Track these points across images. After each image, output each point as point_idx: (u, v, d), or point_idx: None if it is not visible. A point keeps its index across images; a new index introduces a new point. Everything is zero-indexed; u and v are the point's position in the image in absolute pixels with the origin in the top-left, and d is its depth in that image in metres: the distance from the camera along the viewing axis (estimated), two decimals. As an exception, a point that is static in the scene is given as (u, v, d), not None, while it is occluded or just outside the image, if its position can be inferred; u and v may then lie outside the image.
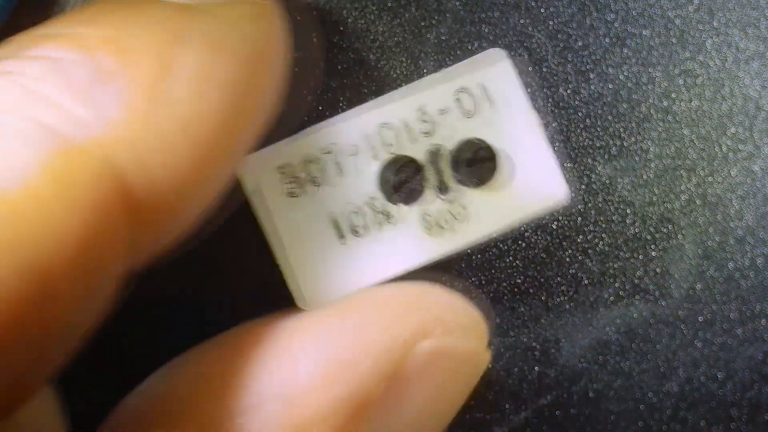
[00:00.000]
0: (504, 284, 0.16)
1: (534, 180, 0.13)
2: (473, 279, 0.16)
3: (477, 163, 0.13)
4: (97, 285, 0.09)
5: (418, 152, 0.12)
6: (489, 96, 0.12)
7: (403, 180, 0.13)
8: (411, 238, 0.13)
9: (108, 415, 0.12)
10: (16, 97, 0.09)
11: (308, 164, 0.12)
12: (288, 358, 0.11)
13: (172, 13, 0.10)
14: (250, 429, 0.10)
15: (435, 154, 0.12)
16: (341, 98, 0.16)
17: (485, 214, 0.13)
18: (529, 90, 0.16)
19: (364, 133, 0.12)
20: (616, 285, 0.16)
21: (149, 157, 0.09)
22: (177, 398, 0.11)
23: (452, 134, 0.12)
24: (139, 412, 0.12)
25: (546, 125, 0.16)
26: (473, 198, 0.13)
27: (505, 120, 0.12)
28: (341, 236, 0.12)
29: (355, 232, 0.12)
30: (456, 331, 0.12)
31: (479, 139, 0.12)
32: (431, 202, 0.13)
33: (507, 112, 0.12)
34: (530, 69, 0.16)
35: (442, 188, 0.13)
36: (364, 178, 0.12)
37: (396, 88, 0.16)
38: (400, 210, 0.12)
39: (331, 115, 0.15)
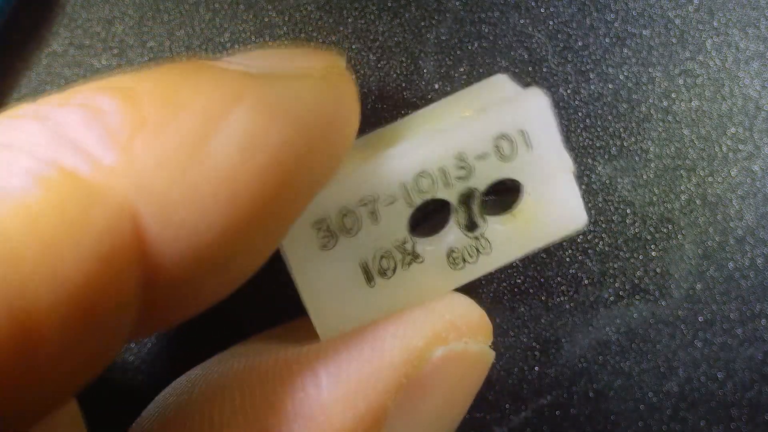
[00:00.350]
0: (504, 284, 0.16)
1: (558, 211, 0.13)
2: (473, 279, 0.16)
3: (502, 192, 0.13)
4: (95, 339, 0.09)
5: (452, 195, 0.12)
6: (527, 140, 0.12)
7: (428, 215, 0.13)
8: (435, 273, 0.13)
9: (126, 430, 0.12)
10: (44, 141, 0.09)
11: (343, 217, 0.12)
12: (310, 377, 0.11)
13: (229, 76, 0.10)
14: None
15: (468, 197, 0.12)
16: (341, 98, 0.16)
17: (507, 245, 0.13)
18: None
19: (401, 182, 0.12)
20: (616, 285, 0.16)
21: (175, 212, 0.09)
22: (197, 417, 0.11)
23: (487, 177, 0.12)
24: (157, 428, 0.12)
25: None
26: (498, 232, 0.13)
27: (540, 162, 0.12)
28: (370, 279, 0.12)
29: (383, 275, 0.12)
30: (466, 334, 0.12)
31: (512, 180, 0.12)
32: (458, 240, 0.13)
33: (542, 155, 0.12)
34: (528, 77, 0.16)
35: (471, 226, 0.13)
36: (397, 224, 0.12)
37: (396, 88, 0.16)
38: (428, 250, 0.12)
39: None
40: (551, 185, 0.12)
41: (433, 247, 0.12)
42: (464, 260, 0.13)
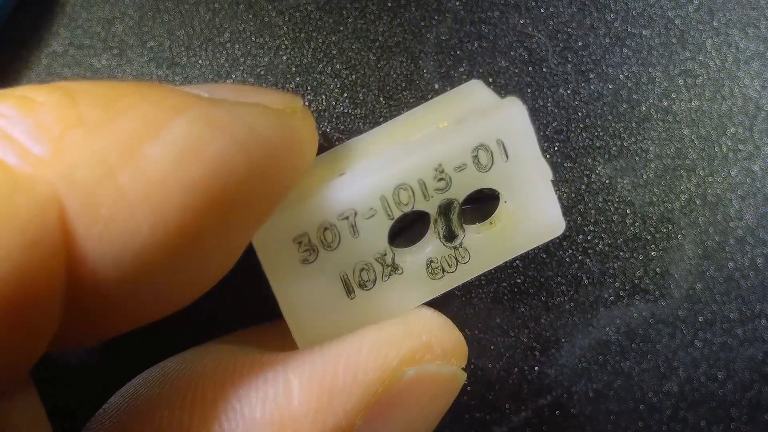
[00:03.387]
0: (504, 284, 0.16)
1: (536, 219, 0.13)
2: (473, 279, 0.16)
3: (480, 200, 0.13)
4: (18, 331, 0.09)
5: (431, 207, 0.12)
6: (505, 150, 0.12)
7: (406, 226, 0.13)
8: (415, 283, 0.13)
9: (89, 422, 0.12)
10: None
11: (324, 231, 0.12)
12: (282, 385, 0.11)
13: (177, 93, 0.10)
14: None
15: (447, 208, 0.12)
16: (341, 98, 0.16)
17: (486, 254, 0.13)
18: (528, 97, 0.16)
19: (381, 195, 0.12)
20: (616, 285, 0.16)
21: (102, 210, 0.09)
22: (164, 411, 0.11)
23: (465, 188, 0.12)
24: (123, 422, 0.11)
25: (546, 127, 0.16)
26: (476, 240, 0.13)
27: (517, 171, 0.12)
28: (350, 292, 0.12)
29: (363, 286, 0.12)
30: (440, 357, 0.12)
31: (490, 189, 0.12)
32: (437, 250, 0.13)
33: (520, 164, 0.12)
34: (528, 77, 0.16)
35: (450, 237, 0.13)
36: (376, 237, 0.12)
37: (396, 88, 0.16)
38: (408, 261, 0.13)
39: (332, 116, 0.15)
40: (529, 193, 0.13)
41: (412, 258, 0.13)
42: (443, 270, 0.13)
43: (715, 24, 0.16)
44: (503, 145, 0.12)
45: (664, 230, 0.16)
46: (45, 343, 0.09)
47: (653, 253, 0.16)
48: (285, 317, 0.12)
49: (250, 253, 0.12)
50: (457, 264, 0.13)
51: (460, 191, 0.12)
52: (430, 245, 0.13)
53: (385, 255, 0.12)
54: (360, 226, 0.12)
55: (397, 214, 0.12)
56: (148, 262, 0.09)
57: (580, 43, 0.16)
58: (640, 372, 0.16)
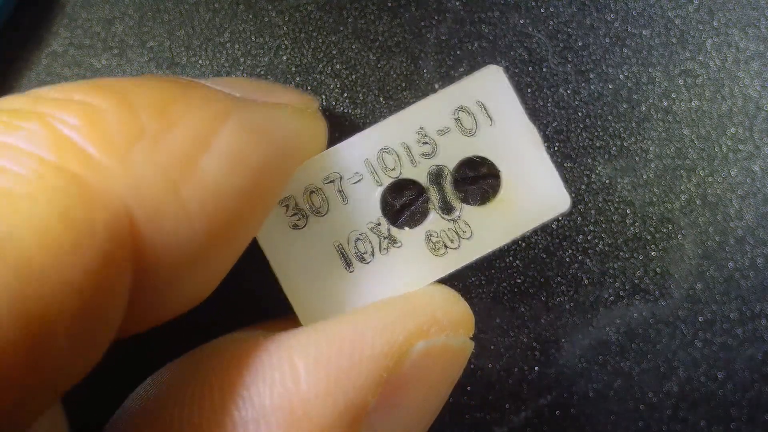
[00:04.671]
0: (504, 284, 0.16)
1: (537, 192, 0.13)
2: (473, 279, 0.16)
3: (480, 180, 0.13)
4: (96, 333, 0.09)
5: (421, 174, 0.12)
6: (488, 113, 0.12)
7: (406, 203, 0.13)
8: (417, 259, 0.12)
9: (104, 428, 0.12)
10: (45, 141, 0.09)
11: (311, 195, 0.12)
12: (289, 369, 0.11)
13: (216, 95, 0.11)
14: None
15: (437, 175, 0.12)
16: (341, 98, 0.16)
17: (490, 230, 0.13)
18: (528, 97, 0.16)
19: (365, 159, 0.12)
20: (616, 285, 0.16)
21: (167, 221, 0.10)
22: (174, 410, 0.11)
23: (454, 154, 0.12)
24: (134, 422, 0.12)
25: (545, 127, 0.16)
26: (478, 215, 0.13)
27: (505, 135, 0.12)
28: (348, 264, 0.12)
29: (362, 259, 0.12)
30: (448, 328, 0.12)
31: (481, 157, 0.12)
32: (436, 222, 0.13)
33: (506, 128, 0.12)
34: (528, 77, 0.16)
35: (446, 208, 0.13)
36: (367, 204, 0.12)
37: (396, 88, 0.16)
38: (405, 233, 0.12)
39: (332, 116, 0.15)
40: (523, 161, 0.12)
41: (411, 231, 0.12)
42: (445, 246, 0.13)
43: (715, 24, 0.16)
44: (484, 107, 0.12)
45: (664, 230, 0.16)
46: (105, 348, 0.10)
47: (653, 253, 0.16)
48: (282, 285, 0.12)
49: (254, 250, 0.12)
50: (459, 239, 0.13)
51: (448, 158, 0.12)
52: (429, 217, 0.13)
53: (379, 225, 0.12)
54: (348, 191, 0.12)
55: (386, 180, 0.12)
56: (200, 264, 0.10)
57: (580, 43, 0.16)
58: (640, 372, 0.16)
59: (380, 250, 0.12)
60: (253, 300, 0.15)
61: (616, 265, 0.16)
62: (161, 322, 0.11)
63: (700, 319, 0.16)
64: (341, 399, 0.11)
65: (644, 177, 0.16)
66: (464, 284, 0.16)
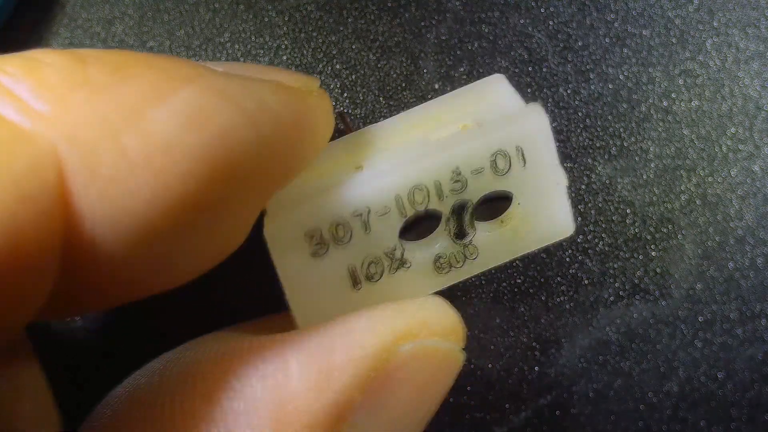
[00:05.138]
0: (504, 284, 0.16)
1: (546, 220, 0.13)
2: (473, 279, 0.16)
3: (491, 199, 0.13)
4: (15, 281, 0.09)
5: (445, 207, 0.12)
6: (524, 156, 0.12)
7: (422, 230, 0.13)
8: (421, 278, 0.13)
9: (92, 412, 0.12)
10: None
11: (337, 227, 0.12)
12: (280, 363, 0.11)
13: (188, 64, 0.10)
14: None
15: (460, 208, 0.12)
16: (341, 98, 0.16)
17: (495, 251, 0.13)
18: (528, 97, 0.16)
19: (396, 195, 0.12)
20: (616, 285, 0.16)
21: (102, 170, 0.09)
22: (166, 398, 0.11)
23: (480, 188, 0.12)
24: (124, 411, 0.11)
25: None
26: (486, 239, 0.13)
27: (535, 177, 0.12)
28: (356, 284, 0.12)
29: (370, 279, 0.12)
30: (437, 334, 0.12)
31: (505, 193, 0.12)
32: (447, 246, 0.13)
33: (538, 171, 0.12)
34: (528, 77, 0.16)
35: (460, 234, 0.13)
36: (388, 234, 0.12)
37: (396, 88, 0.16)
38: (415, 256, 0.13)
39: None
40: (543, 198, 0.12)
41: (421, 254, 0.13)
42: (450, 266, 0.13)
43: (715, 24, 0.16)
44: (522, 151, 0.12)
45: (664, 230, 0.16)
46: (38, 301, 0.09)
47: (653, 253, 0.16)
48: (289, 304, 0.12)
49: (257, 245, 0.12)
50: (465, 260, 0.13)
51: (474, 193, 0.12)
52: (440, 242, 0.13)
53: (395, 250, 0.12)
54: (372, 222, 0.12)
55: (411, 212, 0.12)
56: (148, 227, 0.09)
57: (580, 43, 0.16)
58: (640, 372, 0.16)
59: (389, 271, 0.12)
60: (251, 298, 0.15)
61: (616, 265, 0.16)
62: (105, 306, 0.11)
63: (700, 319, 0.16)
64: (328, 396, 0.11)
65: (644, 177, 0.16)
66: (464, 284, 0.16)
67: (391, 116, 0.15)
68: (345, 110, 0.15)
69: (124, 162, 0.09)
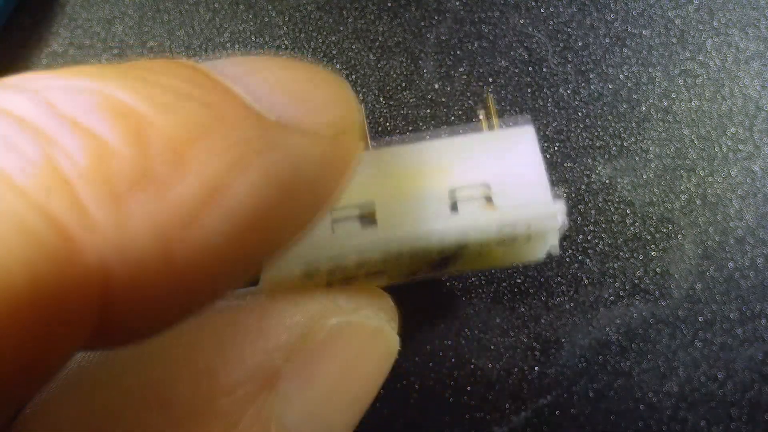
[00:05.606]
0: (504, 284, 0.16)
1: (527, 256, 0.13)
2: (473, 279, 0.16)
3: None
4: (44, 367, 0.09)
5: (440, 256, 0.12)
6: (530, 234, 0.12)
7: None
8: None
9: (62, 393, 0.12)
10: (38, 172, 0.08)
11: (335, 267, 0.12)
12: (210, 337, 0.11)
13: (249, 126, 0.09)
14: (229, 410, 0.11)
15: (454, 257, 0.13)
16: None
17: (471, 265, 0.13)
18: (528, 97, 0.16)
19: (400, 253, 0.12)
20: (616, 285, 0.16)
21: (151, 285, 0.08)
22: (153, 382, 0.11)
23: (477, 247, 0.12)
24: (109, 393, 0.11)
25: (546, 127, 0.16)
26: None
27: (533, 242, 0.12)
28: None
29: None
30: (366, 308, 0.12)
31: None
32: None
33: (538, 242, 0.12)
34: (528, 77, 0.16)
35: (442, 266, 0.13)
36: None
37: (396, 88, 0.16)
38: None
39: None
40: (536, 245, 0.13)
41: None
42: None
43: (715, 24, 0.16)
44: (529, 227, 0.12)
45: (664, 230, 0.16)
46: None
47: (653, 253, 0.16)
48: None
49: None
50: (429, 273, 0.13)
51: (472, 248, 0.12)
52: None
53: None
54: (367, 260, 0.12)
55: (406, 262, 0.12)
56: (172, 313, 0.09)
57: (580, 43, 0.16)
58: (640, 372, 0.16)
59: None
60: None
61: (616, 265, 0.16)
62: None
63: (700, 319, 0.16)
64: (250, 362, 0.11)
65: (644, 177, 0.16)
66: (464, 284, 0.16)
67: (391, 117, 0.15)
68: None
69: (172, 276, 0.09)
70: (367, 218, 0.12)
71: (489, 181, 0.12)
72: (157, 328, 0.09)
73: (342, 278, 0.12)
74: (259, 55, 0.12)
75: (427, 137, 0.13)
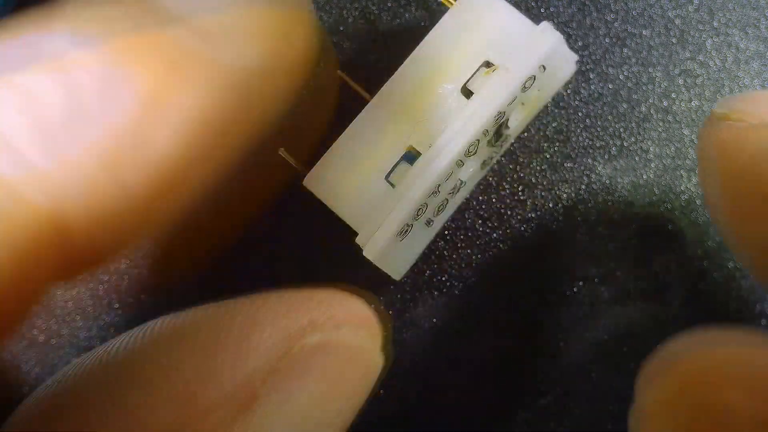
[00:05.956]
0: (504, 283, 0.16)
1: (558, 79, 0.15)
2: (473, 279, 0.16)
3: None
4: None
5: (488, 135, 0.14)
6: (544, 66, 0.13)
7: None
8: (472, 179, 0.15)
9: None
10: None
11: (419, 211, 0.13)
12: (188, 357, 0.11)
13: (173, 37, 0.10)
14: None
15: (499, 127, 0.14)
16: (342, 99, 0.16)
17: (521, 124, 0.15)
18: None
19: (457, 161, 0.13)
20: (616, 285, 0.16)
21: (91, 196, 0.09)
22: (131, 407, 0.11)
23: (511, 107, 0.14)
24: (88, 419, 0.11)
25: (546, 127, 0.16)
26: (514, 125, 0.14)
27: (549, 74, 0.14)
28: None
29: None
30: (345, 327, 0.12)
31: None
32: (487, 152, 0.14)
33: (552, 70, 0.14)
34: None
35: (497, 137, 0.14)
36: (450, 183, 0.14)
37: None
38: (469, 172, 0.14)
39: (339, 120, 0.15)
40: (556, 74, 0.14)
41: (472, 165, 0.14)
42: (492, 159, 0.15)
43: (715, 24, 0.16)
44: (544, 66, 0.13)
45: (664, 230, 0.16)
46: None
47: (653, 254, 0.16)
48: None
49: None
50: (501, 147, 0.15)
51: (508, 111, 0.14)
52: (482, 153, 0.14)
53: (454, 187, 0.14)
54: (443, 189, 0.13)
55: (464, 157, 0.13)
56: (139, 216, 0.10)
57: (580, 43, 0.16)
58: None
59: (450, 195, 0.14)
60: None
61: (616, 265, 0.16)
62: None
63: (701, 319, 0.16)
64: (228, 382, 0.11)
65: (644, 177, 0.16)
66: (464, 284, 0.16)
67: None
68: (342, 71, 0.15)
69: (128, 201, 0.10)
70: (410, 155, 0.13)
71: (485, 55, 0.13)
72: (114, 249, 0.10)
73: (436, 208, 0.14)
74: None
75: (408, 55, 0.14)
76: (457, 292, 0.16)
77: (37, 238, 0.09)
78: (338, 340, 0.12)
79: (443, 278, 0.16)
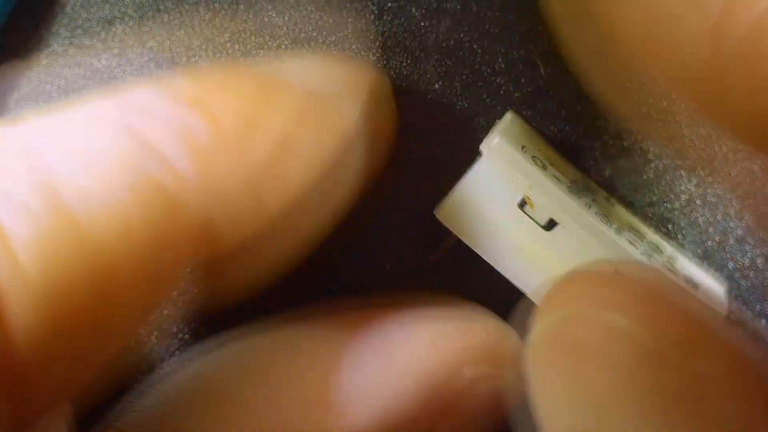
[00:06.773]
0: (504, 284, 0.16)
1: None
2: (486, 285, 0.16)
3: None
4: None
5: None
6: None
7: None
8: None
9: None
10: (134, 152, 0.10)
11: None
12: (331, 369, 0.11)
13: (293, 94, 0.11)
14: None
15: None
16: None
17: None
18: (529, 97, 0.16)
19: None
20: (616, 285, 0.16)
21: (249, 227, 0.10)
22: (284, 421, 0.11)
23: None
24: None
25: (546, 128, 0.16)
26: None
27: None
28: None
29: None
30: (503, 363, 0.12)
31: None
32: None
33: None
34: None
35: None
36: None
37: (396, 88, 0.16)
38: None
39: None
40: None
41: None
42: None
43: (715, 24, 0.16)
44: None
45: (664, 230, 0.16)
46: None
47: (653, 253, 0.16)
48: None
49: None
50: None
51: None
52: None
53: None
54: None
55: None
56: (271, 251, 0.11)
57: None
58: (640, 372, 0.16)
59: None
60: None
61: (616, 265, 0.16)
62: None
63: (700, 319, 0.16)
64: (378, 404, 0.11)
65: (644, 177, 0.16)
66: (476, 295, 0.16)
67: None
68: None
69: (266, 219, 0.10)
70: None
71: None
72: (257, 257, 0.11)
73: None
74: None
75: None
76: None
77: (188, 234, 0.10)
78: (492, 377, 0.12)
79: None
